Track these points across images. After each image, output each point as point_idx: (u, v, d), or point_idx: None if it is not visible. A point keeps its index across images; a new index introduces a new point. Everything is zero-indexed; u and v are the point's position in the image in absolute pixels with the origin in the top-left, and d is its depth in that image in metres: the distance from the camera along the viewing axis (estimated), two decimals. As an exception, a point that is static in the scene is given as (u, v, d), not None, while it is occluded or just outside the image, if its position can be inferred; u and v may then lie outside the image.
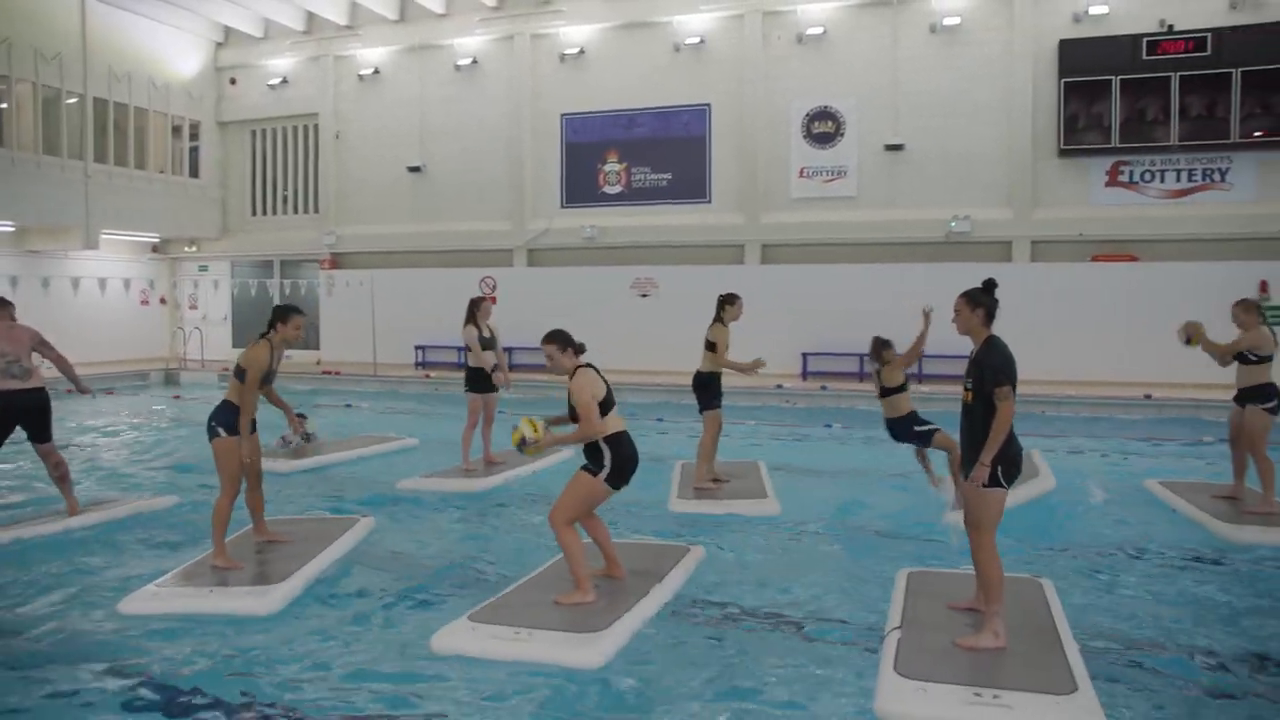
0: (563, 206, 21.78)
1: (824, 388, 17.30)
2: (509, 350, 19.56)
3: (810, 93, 19.78)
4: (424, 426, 14.04)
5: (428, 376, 20.16)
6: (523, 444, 5.90)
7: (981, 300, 5.33)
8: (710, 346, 9.26)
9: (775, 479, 9.80)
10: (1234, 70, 17.28)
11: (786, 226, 19.90)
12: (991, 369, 5.11)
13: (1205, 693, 4.84)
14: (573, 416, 5.97)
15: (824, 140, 19.74)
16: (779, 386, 17.26)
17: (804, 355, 18.90)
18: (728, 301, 9.34)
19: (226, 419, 6.63)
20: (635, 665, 5.12)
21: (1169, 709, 4.64)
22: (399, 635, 5.62)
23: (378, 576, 6.76)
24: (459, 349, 10.05)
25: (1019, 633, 5.16)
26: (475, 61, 22.07)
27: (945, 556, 7.02)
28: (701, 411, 9.40)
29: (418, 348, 21.84)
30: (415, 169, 22.67)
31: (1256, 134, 17.36)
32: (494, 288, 21.12)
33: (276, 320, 6.79)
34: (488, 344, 10.24)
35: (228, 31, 24.33)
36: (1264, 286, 16.86)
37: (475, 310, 10.25)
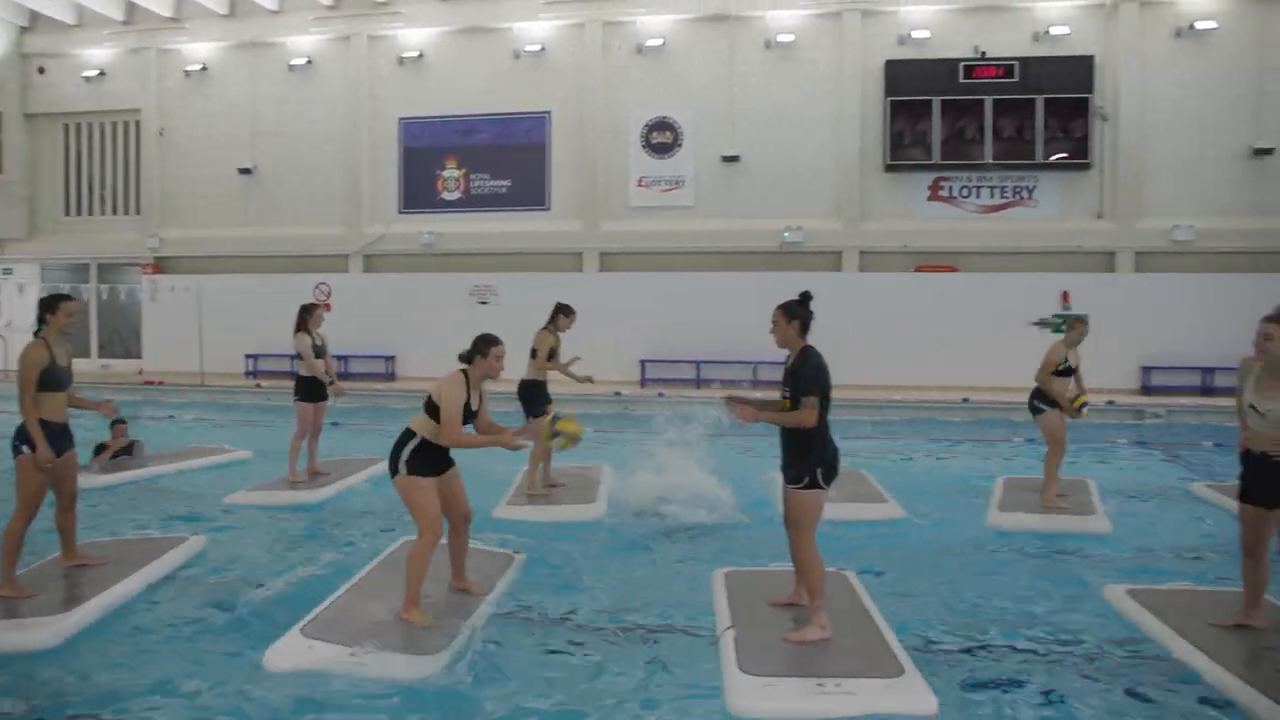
0: (400, 212, 21.37)
1: (661, 394, 17.52)
2: (345, 358, 19.06)
3: (649, 103, 20.04)
4: (256, 438, 13.45)
5: (259, 386, 19.40)
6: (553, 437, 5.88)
7: (797, 312, 5.53)
8: (533, 354, 9.31)
9: (613, 484, 9.87)
10: (1038, 97, 18.46)
11: (625, 235, 20.09)
12: (804, 379, 5.33)
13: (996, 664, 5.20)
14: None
15: (662, 150, 20.04)
16: (617, 394, 17.37)
17: (642, 362, 19.11)
18: (564, 312, 9.45)
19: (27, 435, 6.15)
20: (471, 674, 5.02)
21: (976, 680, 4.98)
22: (227, 654, 5.30)
23: (204, 595, 6.38)
24: (292, 357, 9.73)
25: (839, 622, 5.41)
26: (310, 61, 21.42)
27: (761, 557, 7.18)
28: (529, 419, 9.38)
29: (248, 356, 20.98)
30: (246, 171, 21.80)
31: (1057, 156, 18.60)
32: (329, 294, 20.50)
33: (45, 312, 6.22)
34: (318, 352, 9.94)
35: (34, 16, 22.75)
36: (1065, 296, 18.05)
37: (307, 317, 9.93)
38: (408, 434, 5.66)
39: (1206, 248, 18.42)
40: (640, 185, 20.16)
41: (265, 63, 21.74)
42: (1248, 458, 5.38)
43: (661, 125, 20.06)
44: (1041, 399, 8.82)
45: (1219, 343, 16.28)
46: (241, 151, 21.89)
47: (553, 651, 5.43)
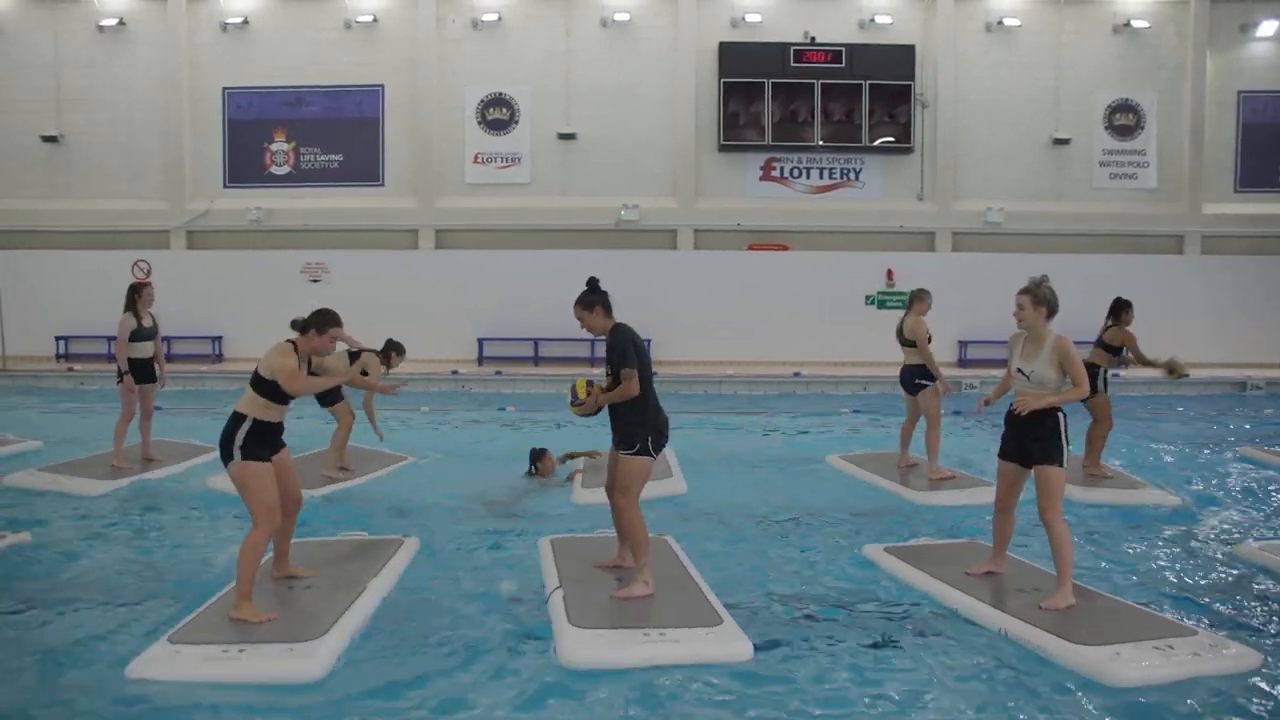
0: (226, 186, 20.41)
1: (499, 372, 17.42)
2: (168, 339, 18.06)
3: (485, 79, 19.79)
4: (64, 425, 12.62)
5: (71, 369, 18.24)
6: (574, 403, 5.83)
7: (592, 299, 5.83)
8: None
9: (435, 465, 9.84)
10: (864, 82, 19.19)
11: (461, 212, 19.82)
12: (618, 355, 5.60)
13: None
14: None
15: (498, 127, 19.85)
16: (454, 372, 17.16)
17: (479, 340, 18.93)
18: (396, 350, 9.52)
19: None
20: (358, 671, 4.78)
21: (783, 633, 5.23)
22: (82, 668, 4.81)
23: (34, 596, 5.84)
24: (109, 339, 9.13)
25: (660, 581, 5.66)
26: (122, 23, 20.11)
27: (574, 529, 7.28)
28: (326, 406, 9.22)
29: (59, 338, 19.67)
30: (51, 139, 20.33)
31: (882, 140, 19.43)
32: (148, 272, 19.41)
33: None
34: (148, 334, 9.43)
35: None
36: (890, 274, 18.89)
37: (135, 296, 9.41)
38: (237, 417, 5.36)
39: (1015, 229, 19.65)
40: (476, 162, 19.92)
41: (70, 21, 20.25)
42: (1010, 419, 5.77)
43: (498, 101, 19.85)
44: (921, 375, 9.02)
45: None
46: (45, 118, 20.35)
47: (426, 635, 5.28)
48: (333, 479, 8.93)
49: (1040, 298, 5.66)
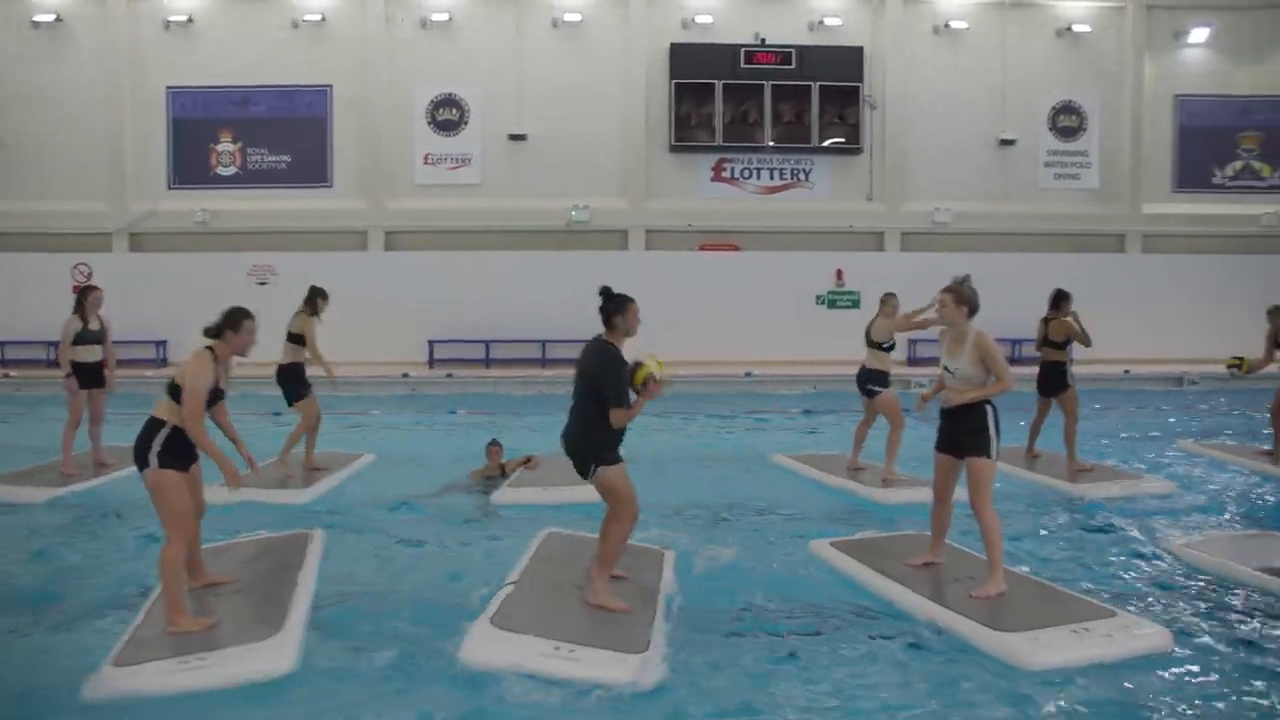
0: (171, 188, 20.08)
1: (450, 375, 17.33)
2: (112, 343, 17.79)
3: (435, 79, 19.68)
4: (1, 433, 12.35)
5: (8, 375, 17.83)
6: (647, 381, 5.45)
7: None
8: (295, 339, 9.11)
9: (378, 467, 9.76)
10: (813, 84, 19.36)
11: (411, 213, 19.68)
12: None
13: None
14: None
15: (449, 127, 19.75)
16: (405, 375, 17.04)
17: (430, 343, 18.79)
18: (320, 295, 9.25)
19: None
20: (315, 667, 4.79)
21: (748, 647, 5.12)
22: (36, 688, 4.69)
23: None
24: (50, 344, 8.97)
25: (626, 596, 5.45)
26: (59, 19, 19.70)
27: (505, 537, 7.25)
28: (291, 404, 9.14)
29: (-4, 343, 19.25)
30: (-13, 139, 19.91)
31: (831, 141, 19.61)
32: (89, 276, 19.01)
33: None
34: (94, 337, 9.29)
35: None
36: (839, 274, 19.08)
37: (84, 300, 9.27)
38: (154, 423, 5.26)
39: (962, 229, 19.94)
40: (426, 163, 19.80)
41: (4, 18, 19.83)
42: (943, 413, 5.91)
43: (448, 102, 19.75)
44: (875, 380, 9.03)
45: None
46: (-21, 118, 19.93)
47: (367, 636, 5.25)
48: (289, 475, 8.85)
49: (962, 296, 5.80)
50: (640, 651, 4.75)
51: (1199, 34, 20.65)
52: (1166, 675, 4.70)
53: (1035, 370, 9.87)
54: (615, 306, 5.46)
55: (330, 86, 19.80)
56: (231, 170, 19.99)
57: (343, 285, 18.53)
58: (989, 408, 5.70)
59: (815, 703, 4.46)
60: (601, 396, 5.29)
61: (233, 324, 5.40)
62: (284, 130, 19.89)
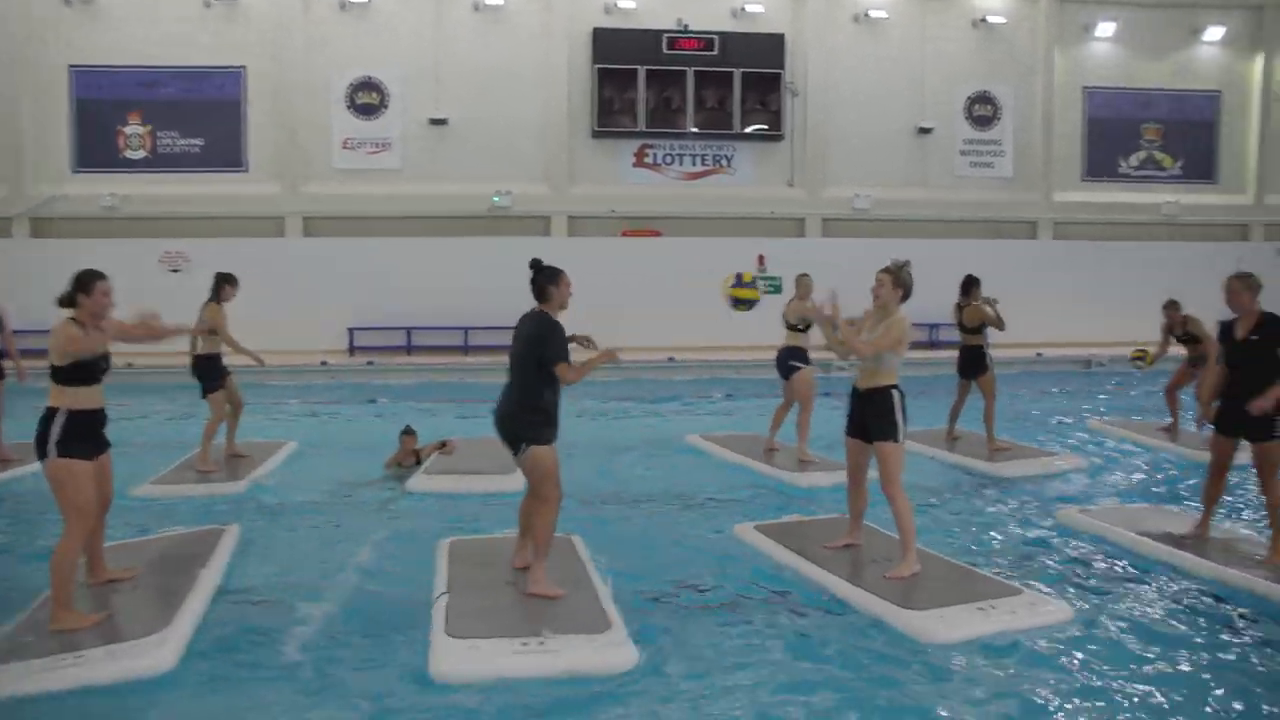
0: (75, 171, 19.33)
1: (370, 363, 17.08)
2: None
3: (353, 62, 19.28)
4: None
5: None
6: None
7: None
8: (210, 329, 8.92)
9: (298, 456, 9.59)
10: (736, 70, 19.45)
11: (330, 198, 19.28)
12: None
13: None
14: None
15: (368, 111, 19.39)
16: (324, 363, 16.75)
17: (350, 330, 18.49)
18: (227, 281, 9.03)
19: None
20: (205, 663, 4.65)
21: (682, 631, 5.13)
22: None
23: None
24: None
25: (560, 583, 5.45)
26: (-48, -4, 18.87)
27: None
28: (205, 395, 8.93)
29: (-113, 333, 18.35)
30: (-127, 119, 18.94)
31: (753, 128, 19.74)
32: (-12, 262, 18.30)
33: None
34: None
35: None
36: (761, 260, 19.22)
37: None
38: (49, 412, 5.03)
39: (882, 215, 20.28)
40: (345, 147, 19.41)
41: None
42: (852, 397, 6.00)
43: (367, 85, 19.38)
44: (796, 358, 9.14)
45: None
46: None
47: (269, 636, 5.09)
48: (207, 473, 8.64)
49: (900, 280, 5.86)
50: (605, 631, 4.80)
51: (1105, 28, 21.27)
52: (1067, 648, 4.85)
53: (955, 355, 10.13)
54: (548, 277, 5.43)
55: (244, 68, 19.27)
56: (141, 154, 19.35)
57: (259, 272, 18.32)
58: (895, 393, 5.80)
59: (735, 684, 4.50)
60: (543, 364, 5.23)
61: (83, 287, 5.16)
62: (196, 113, 19.30)
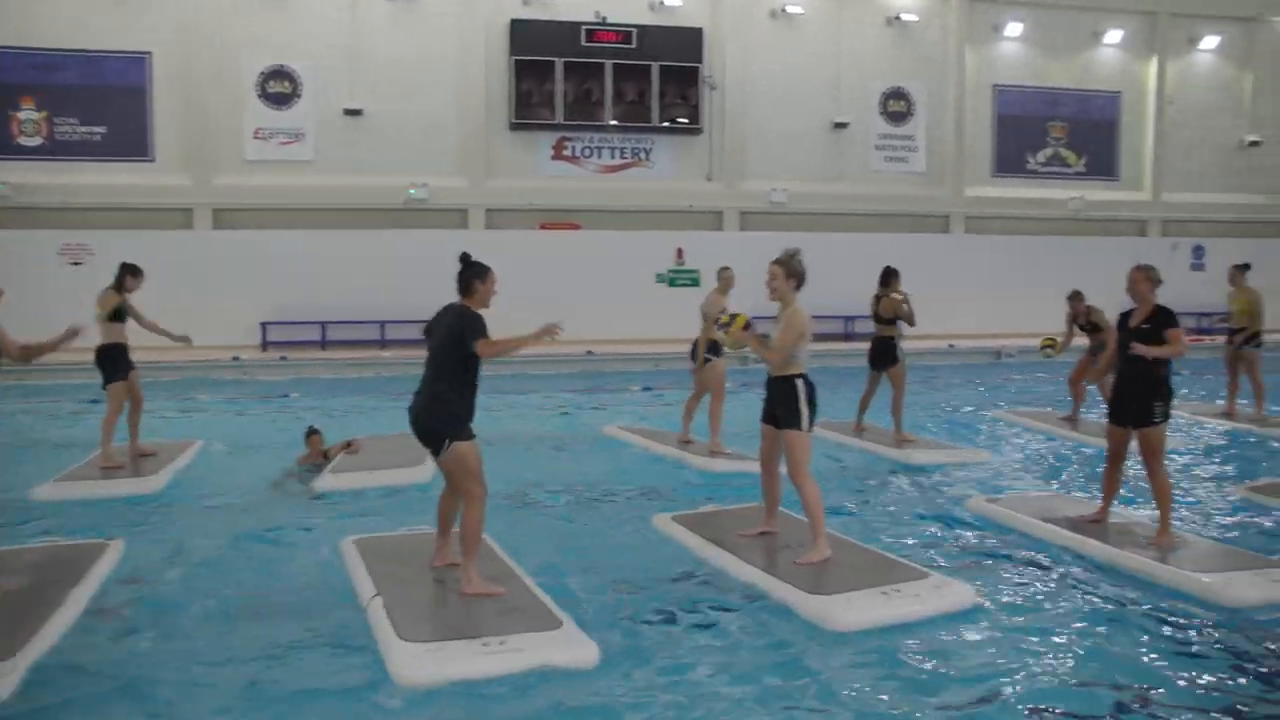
0: (-36, 158, 18.54)
1: (284, 358, 16.72)
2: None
3: (265, 50, 18.81)
4: None
5: None
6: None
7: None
8: (115, 316, 8.64)
9: (206, 455, 9.34)
10: (654, 63, 19.49)
11: (241, 189, 18.78)
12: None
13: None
14: None
15: (281, 101, 18.94)
16: (235, 359, 16.34)
17: (263, 325, 18.06)
18: (130, 272, 8.86)
19: None
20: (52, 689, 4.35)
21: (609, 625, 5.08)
22: None
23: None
24: None
25: (495, 583, 5.38)
26: None
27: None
28: (105, 386, 8.66)
29: None
30: None
31: (673, 121, 19.83)
32: None
33: None
34: None
35: None
36: (680, 253, 19.35)
37: None
38: None
39: (799, 209, 20.53)
40: (257, 137, 18.94)
41: None
42: (767, 385, 6.10)
43: (279, 74, 18.93)
44: (708, 349, 9.12)
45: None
46: None
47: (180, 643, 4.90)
48: (110, 470, 8.36)
49: (792, 269, 5.94)
50: (559, 627, 4.76)
51: (1014, 28, 21.87)
52: (970, 630, 4.98)
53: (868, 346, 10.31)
54: (475, 272, 5.34)
55: (149, 54, 18.64)
56: (37, 140, 18.59)
57: (167, 265, 17.81)
58: (799, 382, 5.87)
59: (660, 676, 4.53)
60: (463, 351, 5.15)
61: None
62: (97, 99, 18.60)
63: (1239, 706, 4.24)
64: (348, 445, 8.97)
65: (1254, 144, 23.36)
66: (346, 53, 18.98)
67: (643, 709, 4.18)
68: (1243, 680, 4.50)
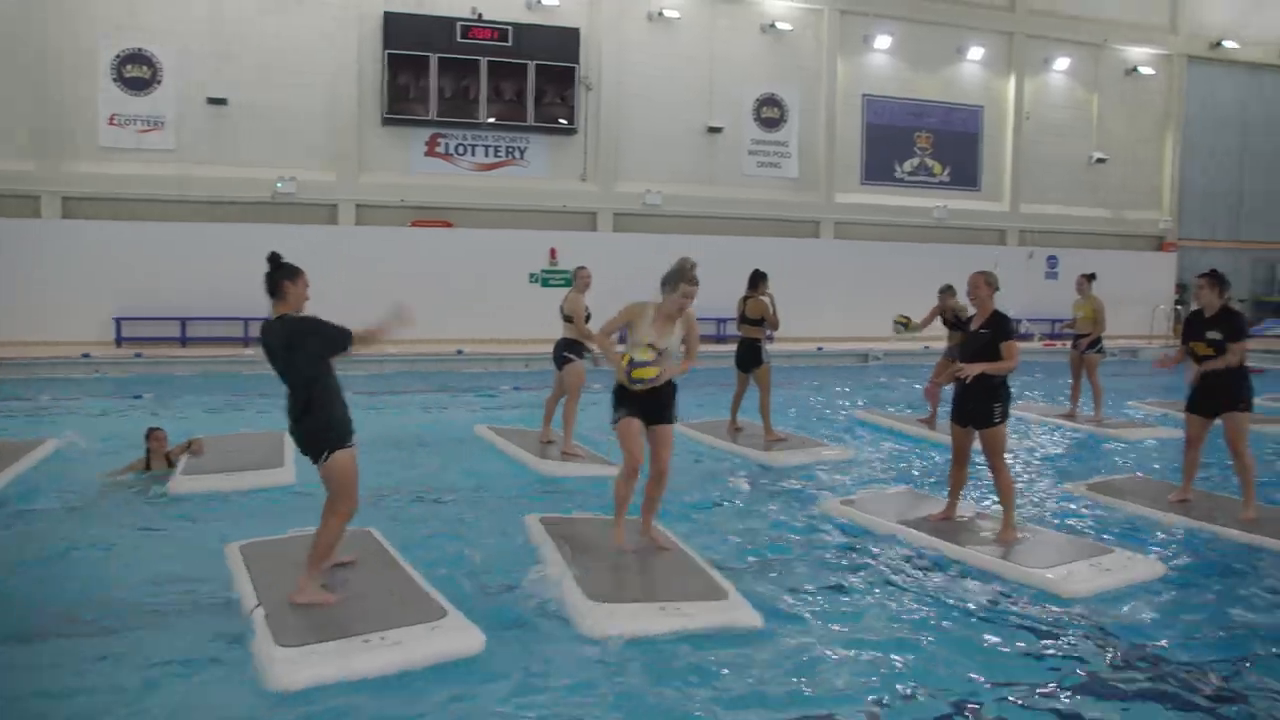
0: None
1: (138, 355, 16.00)
2: None
3: (121, 31, 17.93)
4: None
5: None
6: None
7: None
8: None
9: (57, 459, 8.89)
10: (530, 62, 19.37)
11: (94, 178, 17.84)
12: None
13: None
14: None
15: (138, 86, 18.10)
16: (85, 356, 15.54)
17: (117, 320, 17.24)
18: None
19: None
20: None
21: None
22: None
23: None
24: None
25: (375, 579, 5.38)
26: None
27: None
28: None
29: None
30: None
31: (548, 121, 19.73)
32: None
33: None
34: None
35: None
36: (553, 253, 19.31)
37: None
38: None
39: (673, 211, 20.76)
40: (112, 124, 18.03)
41: None
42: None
43: (137, 58, 18.08)
44: (569, 349, 9.15)
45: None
46: None
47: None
48: None
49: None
50: (444, 616, 4.79)
51: (883, 41, 22.58)
52: (827, 630, 5.11)
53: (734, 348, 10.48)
54: (286, 273, 5.13)
55: (-9, 33, 17.56)
56: None
57: (11, 256, 16.93)
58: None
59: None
60: (310, 359, 5.00)
61: None
62: (-66, 79, 17.44)
63: (1082, 691, 4.49)
64: (189, 446, 8.61)
65: (1100, 161, 24.70)
66: (211, 38, 18.28)
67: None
68: (1081, 669, 4.76)
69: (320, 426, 5.06)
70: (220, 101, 18.30)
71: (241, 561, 5.69)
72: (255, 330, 16.96)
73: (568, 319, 9.24)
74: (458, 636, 4.65)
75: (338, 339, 5.04)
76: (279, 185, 18.40)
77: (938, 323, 11.06)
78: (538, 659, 4.67)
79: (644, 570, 5.80)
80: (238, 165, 18.38)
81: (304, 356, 5.01)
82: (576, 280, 9.30)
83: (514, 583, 5.67)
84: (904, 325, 10.82)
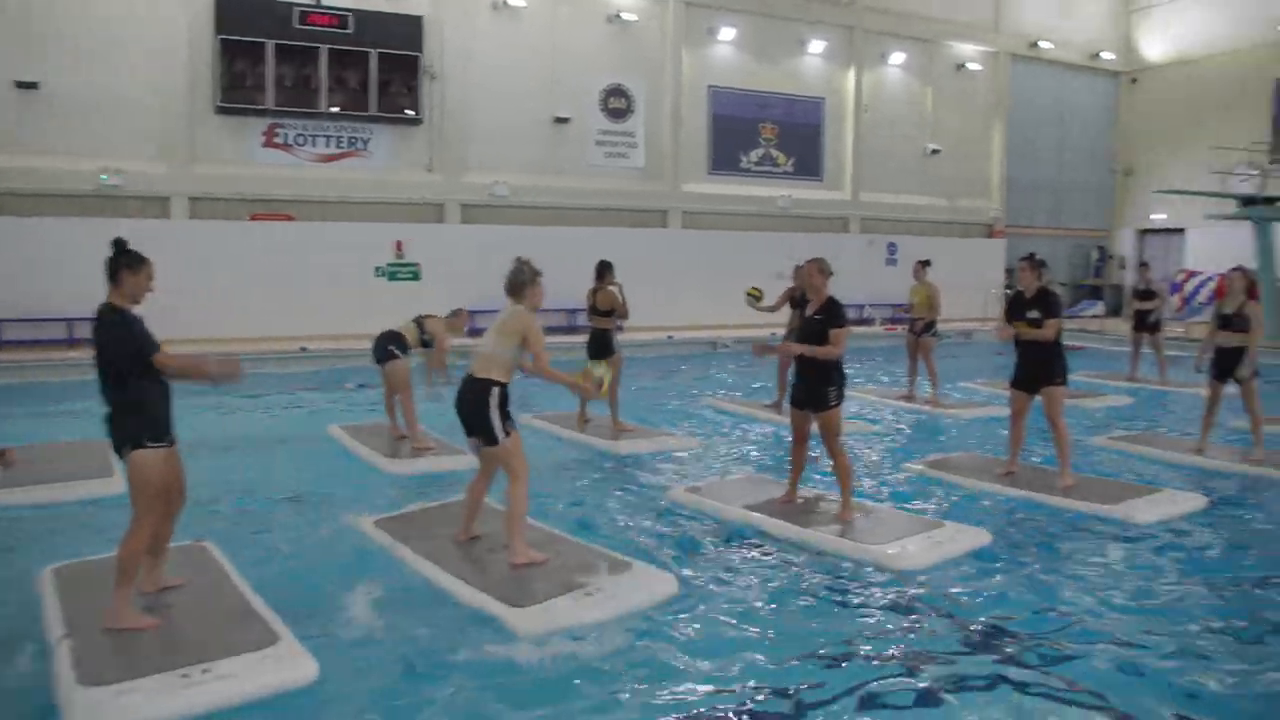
0: None
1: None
2: None
3: (-86, 11, 16.57)
4: None
5: None
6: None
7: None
8: None
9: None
10: (371, 50, 18.84)
11: (-113, 168, 16.47)
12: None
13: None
14: None
15: (-65, 70, 16.74)
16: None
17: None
18: None
19: None
20: None
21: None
22: None
23: None
24: None
25: (206, 601, 5.04)
26: None
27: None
28: None
29: None
30: None
31: (392, 110, 19.23)
32: None
33: None
34: None
35: None
36: (399, 246, 18.89)
37: None
38: None
39: (520, 202, 20.61)
40: (-94, 110, 16.65)
41: None
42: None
43: (-67, 39, 16.71)
44: (397, 344, 9.07)
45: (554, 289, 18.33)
46: None
47: None
48: None
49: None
50: (275, 643, 4.47)
51: (727, 32, 22.96)
52: (674, 617, 5.20)
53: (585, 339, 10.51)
54: (128, 261, 4.86)
55: None
56: None
57: None
58: (495, 390, 5.81)
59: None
60: (134, 364, 4.75)
61: None
62: None
63: (922, 663, 4.68)
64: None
65: (935, 152, 25.85)
66: (19, 17, 16.98)
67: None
68: (916, 635, 5.02)
69: (124, 426, 4.81)
70: (30, 85, 17.02)
71: (52, 587, 5.23)
72: (81, 331, 16.03)
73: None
74: (288, 665, 4.32)
75: (133, 352, 4.76)
76: (104, 178, 17.31)
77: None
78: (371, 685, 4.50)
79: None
80: (53, 155, 17.14)
81: (111, 350, 4.78)
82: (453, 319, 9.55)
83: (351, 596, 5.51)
84: (756, 298, 11.08)
